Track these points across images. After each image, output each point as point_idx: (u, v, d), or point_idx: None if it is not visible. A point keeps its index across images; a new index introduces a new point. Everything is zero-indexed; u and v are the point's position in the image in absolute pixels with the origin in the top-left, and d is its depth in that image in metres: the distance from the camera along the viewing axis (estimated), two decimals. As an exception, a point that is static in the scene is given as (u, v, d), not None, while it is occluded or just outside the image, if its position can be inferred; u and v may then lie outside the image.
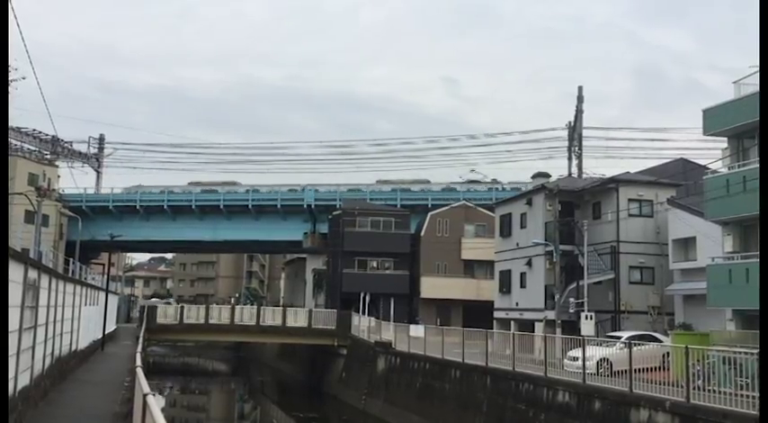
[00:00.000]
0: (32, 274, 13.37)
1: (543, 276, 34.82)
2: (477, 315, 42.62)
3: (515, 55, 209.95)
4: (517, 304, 37.48)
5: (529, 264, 36.26)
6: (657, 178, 35.38)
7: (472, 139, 68.95)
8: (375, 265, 51.20)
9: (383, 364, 33.30)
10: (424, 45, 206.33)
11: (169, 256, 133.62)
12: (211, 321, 42.55)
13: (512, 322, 36.22)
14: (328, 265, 56.72)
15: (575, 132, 56.74)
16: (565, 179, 43.66)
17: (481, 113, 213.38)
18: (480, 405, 23.89)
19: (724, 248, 25.76)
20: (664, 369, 18.71)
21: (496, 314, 39.76)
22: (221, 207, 61.90)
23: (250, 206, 61.67)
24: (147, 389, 8.23)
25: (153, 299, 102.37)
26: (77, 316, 24.18)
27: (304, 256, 68.65)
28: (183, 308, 45.73)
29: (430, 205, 56.72)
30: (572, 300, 31.82)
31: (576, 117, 56.51)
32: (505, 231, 39.73)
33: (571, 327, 30.60)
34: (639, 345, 19.75)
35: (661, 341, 23.50)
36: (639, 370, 18.13)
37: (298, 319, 43.28)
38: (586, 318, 29.85)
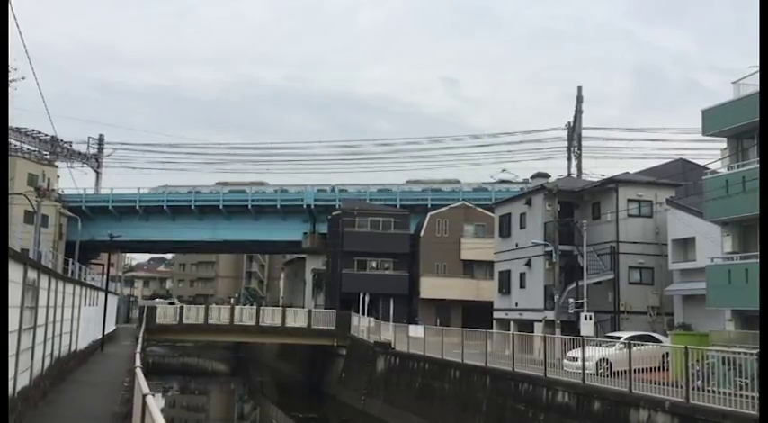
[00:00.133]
0: (32, 274, 13.35)
1: (543, 277, 34.83)
2: (476, 315, 42.60)
3: (515, 55, 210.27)
4: (516, 304, 37.50)
5: (528, 264, 36.29)
6: (657, 178, 35.40)
7: (475, 139, 68.83)
8: (374, 265, 51.20)
9: (382, 365, 33.30)
10: (424, 45, 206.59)
11: (168, 256, 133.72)
12: (211, 321, 42.53)
13: (511, 322, 36.24)
14: (328, 265, 56.74)
15: (574, 132, 56.79)
16: (564, 179, 43.66)
17: (481, 114, 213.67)
18: (480, 405, 23.90)
19: (723, 249, 25.79)
20: (663, 369, 18.69)
21: (496, 314, 39.78)
22: (221, 207, 61.86)
23: (249, 206, 61.66)
24: (146, 389, 8.22)
25: (155, 299, 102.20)
26: (77, 316, 24.14)
27: (303, 256, 68.66)
28: (182, 308, 45.79)
29: (429, 205, 56.75)
30: (571, 300, 31.87)
31: (575, 117, 56.55)
32: (505, 232, 39.76)
33: (570, 327, 30.63)
34: (639, 345, 19.75)
35: (660, 341, 23.49)
36: (639, 370, 18.13)
37: (297, 319, 43.28)
38: (586, 318, 29.87)
